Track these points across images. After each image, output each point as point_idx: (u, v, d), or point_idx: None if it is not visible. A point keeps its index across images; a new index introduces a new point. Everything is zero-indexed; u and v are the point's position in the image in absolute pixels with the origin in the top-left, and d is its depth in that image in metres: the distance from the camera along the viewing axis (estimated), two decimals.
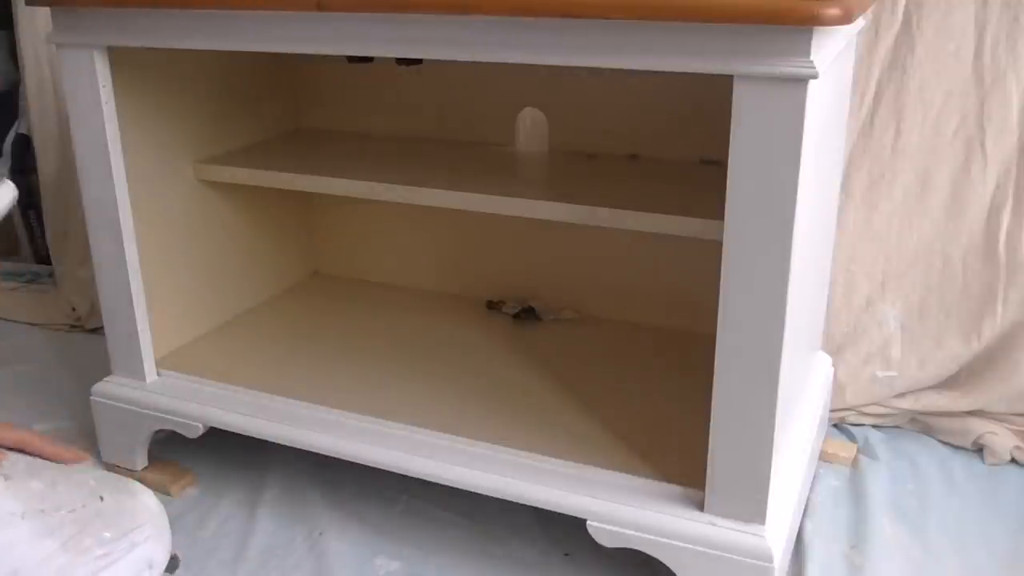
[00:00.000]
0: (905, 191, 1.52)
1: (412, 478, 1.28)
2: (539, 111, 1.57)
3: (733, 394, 1.07)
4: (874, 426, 1.63)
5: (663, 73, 1.03)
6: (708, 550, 1.12)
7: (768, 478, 1.09)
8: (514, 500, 1.22)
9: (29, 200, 2.27)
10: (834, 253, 1.51)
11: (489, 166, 1.49)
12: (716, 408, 1.09)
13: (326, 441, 1.33)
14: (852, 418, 1.63)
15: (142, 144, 1.42)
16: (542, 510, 1.21)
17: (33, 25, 2.03)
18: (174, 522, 1.39)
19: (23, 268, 2.31)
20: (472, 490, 1.24)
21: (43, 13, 1.83)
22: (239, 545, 1.37)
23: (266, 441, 1.38)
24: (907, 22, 1.46)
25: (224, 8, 1.18)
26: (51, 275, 2.21)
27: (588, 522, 1.17)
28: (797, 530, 1.33)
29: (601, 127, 1.55)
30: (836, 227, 1.50)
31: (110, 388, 1.48)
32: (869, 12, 1.40)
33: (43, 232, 2.21)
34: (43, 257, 2.29)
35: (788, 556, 1.25)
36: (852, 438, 1.60)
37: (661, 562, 1.15)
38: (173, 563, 1.32)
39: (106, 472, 1.16)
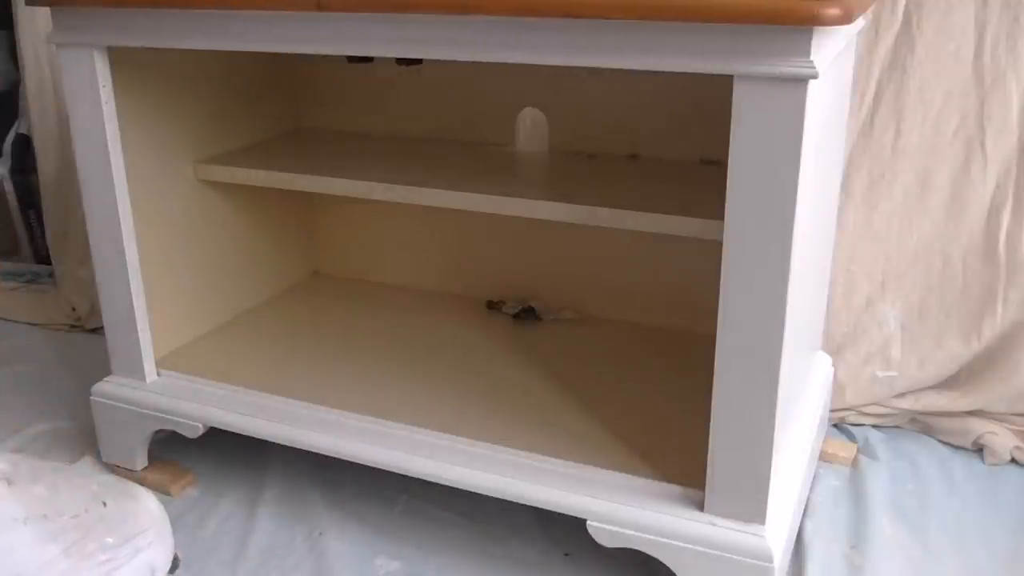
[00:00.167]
0: (905, 191, 1.52)
1: (412, 478, 1.28)
2: (539, 111, 1.57)
3: (733, 394, 1.07)
4: (874, 426, 1.63)
5: (663, 73, 1.03)
6: (708, 550, 1.12)
7: (768, 478, 1.09)
8: (514, 500, 1.22)
9: (29, 200, 2.27)
10: (834, 253, 1.51)
11: (489, 166, 1.49)
12: (716, 408, 1.09)
13: (326, 441, 1.33)
14: (852, 418, 1.63)
15: (142, 144, 1.42)
16: (542, 510, 1.21)
17: (33, 25, 2.03)
18: (174, 522, 1.39)
19: (23, 268, 2.31)
20: (472, 490, 1.24)
21: (43, 13, 1.84)
22: (239, 545, 1.37)
23: (266, 441, 1.38)
24: (907, 22, 1.46)
25: (224, 8, 1.18)
26: (51, 275, 2.21)
27: (588, 522, 1.17)
28: (797, 530, 1.33)
29: (601, 127, 1.55)
30: (836, 227, 1.50)
31: (110, 388, 1.48)
32: (869, 12, 1.40)
33: (43, 232, 2.21)
34: (43, 257, 2.29)
35: (788, 556, 1.25)
36: (852, 438, 1.60)
37: (661, 562, 1.15)
38: (173, 563, 1.32)
39: (109, 476, 1.16)
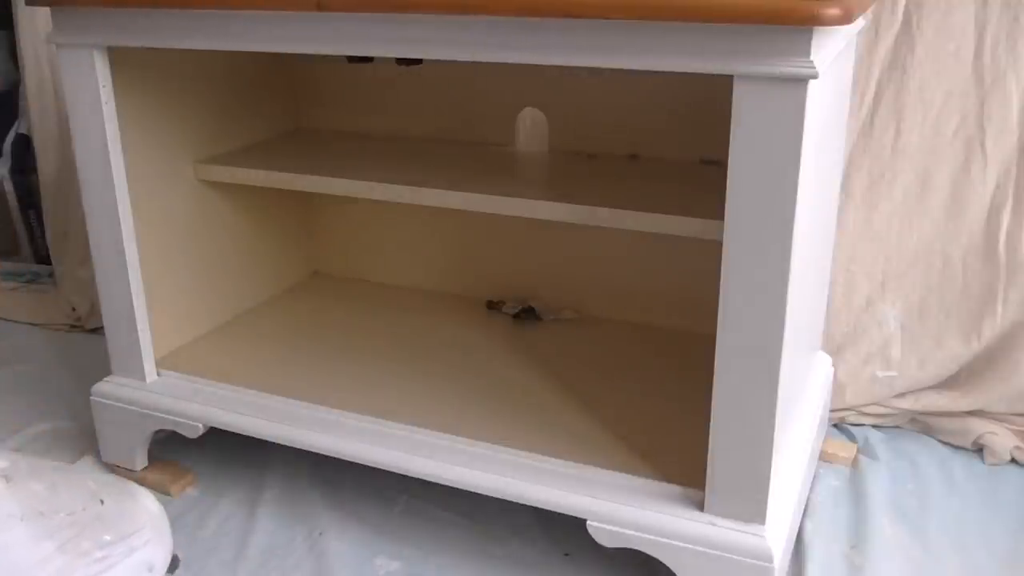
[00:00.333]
0: (905, 191, 1.52)
1: (412, 478, 1.28)
2: (539, 111, 1.57)
3: (733, 394, 1.07)
4: (874, 426, 1.63)
5: (663, 73, 1.04)
6: (708, 550, 1.12)
7: (768, 478, 1.09)
8: (514, 500, 1.22)
9: (29, 200, 2.27)
10: (834, 253, 1.51)
11: (489, 166, 1.49)
12: (716, 408, 1.09)
13: (326, 441, 1.33)
14: (852, 418, 1.63)
15: (142, 144, 1.42)
16: (542, 510, 1.21)
17: (33, 25, 2.03)
18: (174, 522, 1.39)
19: (23, 268, 2.31)
20: (472, 490, 1.24)
21: (43, 13, 1.84)
22: (239, 545, 1.37)
23: (266, 441, 1.38)
24: (907, 22, 1.46)
25: (224, 8, 1.18)
26: (51, 275, 2.21)
27: (588, 522, 1.17)
28: (797, 530, 1.33)
29: (601, 127, 1.55)
30: (836, 227, 1.50)
31: (110, 388, 1.48)
32: (869, 12, 1.40)
33: (43, 232, 2.21)
34: (43, 257, 2.29)
35: (788, 556, 1.25)
36: (852, 438, 1.60)
37: (661, 562, 1.15)
38: (173, 563, 1.32)
39: (107, 475, 1.16)
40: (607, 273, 1.64)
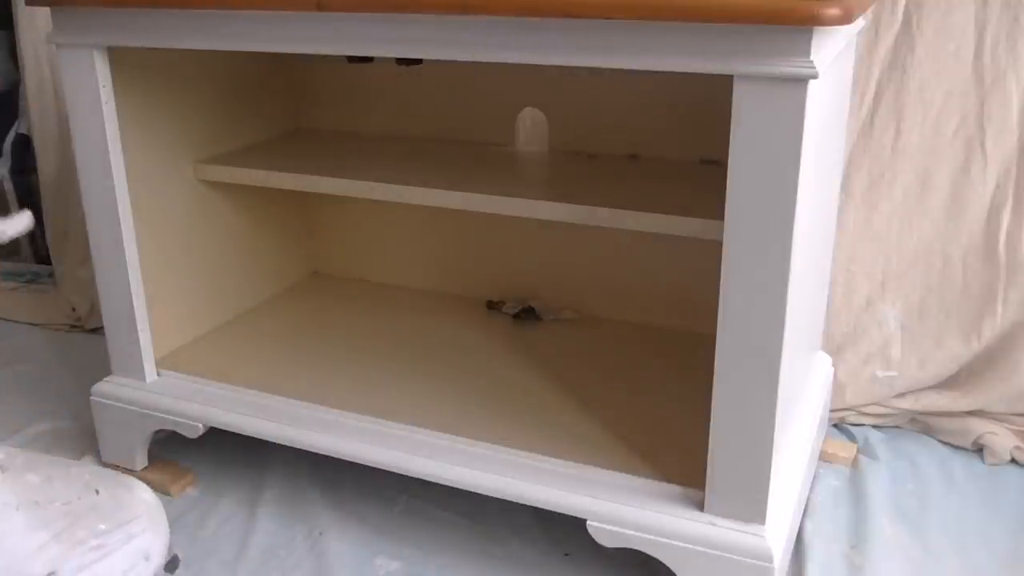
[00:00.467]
0: (905, 191, 1.52)
1: (412, 478, 1.28)
2: (539, 111, 1.57)
3: (733, 394, 1.07)
4: (874, 426, 1.63)
5: (663, 73, 1.04)
6: (708, 550, 1.12)
7: (768, 478, 1.09)
8: (514, 500, 1.22)
9: (29, 200, 2.27)
10: (834, 253, 1.51)
11: (489, 166, 1.49)
12: (716, 408, 1.09)
13: (326, 441, 1.33)
14: (852, 418, 1.63)
15: (142, 144, 1.42)
16: (542, 510, 1.21)
17: (33, 25, 2.03)
18: (174, 522, 1.39)
19: (23, 268, 2.31)
20: (472, 490, 1.24)
21: (43, 13, 1.83)
22: (239, 545, 1.37)
23: (266, 441, 1.38)
24: (907, 22, 1.46)
25: (224, 8, 1.18)
26: (51, 275, 2.21)
27: (588, 522, 1.17)
28: (797, 530, 1.33)
29: (601, 127, 1.55)
30: (836, 227, 1.50)
31: (110, 388, 1.48)
32: (869, 12, 1.40)
33: (43, 232, 2.21)
34: (43, 257, 2.29)
35: (788, 556, 1.25)
36: (852, 438, 1.60)
37: (661, 562, 1.15)
38: (173, 563, 1.32)
39: (102, 467, 1.17)
40: (607, 273, 1.64)
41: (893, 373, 1.59)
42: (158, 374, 1.49)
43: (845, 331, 1.59)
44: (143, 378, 1.47)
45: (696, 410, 1.24)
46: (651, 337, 1.60)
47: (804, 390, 1.38)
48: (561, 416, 1.34)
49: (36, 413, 1.70)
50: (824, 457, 1.53)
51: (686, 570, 1.14)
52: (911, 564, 1.31)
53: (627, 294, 1.64)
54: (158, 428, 1.45)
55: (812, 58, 0.93)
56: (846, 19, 0.93)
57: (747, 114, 0.97)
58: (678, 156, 1.50)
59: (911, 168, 1.51)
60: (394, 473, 1.29)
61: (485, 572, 1.32)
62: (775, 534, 1.12)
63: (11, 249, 2.36)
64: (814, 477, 1.48)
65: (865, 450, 1.57)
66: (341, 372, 1.48)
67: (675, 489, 1.18)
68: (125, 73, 1.36)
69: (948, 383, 1.58)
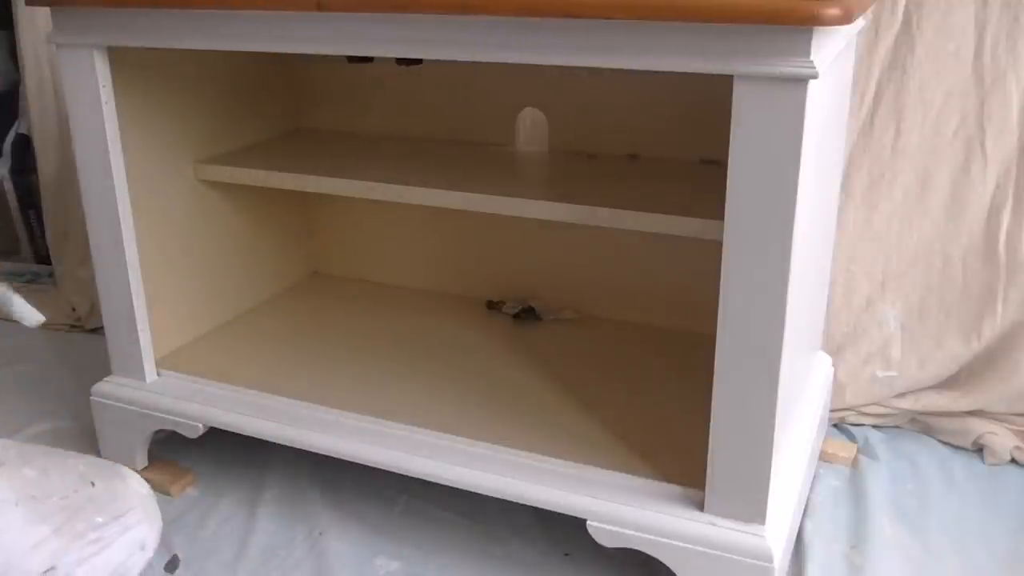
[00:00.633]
0: (905, 191, 1.52)
1: (412, 478, 1.28)
2: (539, 111, 1.57)
3: (733, 394, 1.07)
4: (874, 426, 1.63)
5: (663, 73, 1.04)
6: (708, 550, 1.12)
7: (768, 478, 1.09)
8: (514, 500, 1.22)
9: (29, 200, 2.27)
10: (834, 253, 1.51)
11: (489, 166, 1.49)
12: (716, 408, 1.09)
13: (326, 441, 1.33)
14: (852, 418, 1.63)
15: (142, 144, 1.42)
16: (542, 510, 1.21)
17: (33, 25, 2.03)
18: (174, 522, 1.39)
19: (23, 268, 2.31)
20: (472, 490, 1.24)
21: (43, 13, 1.83)
22: (239, 545, 1.37)
23: (266, 441, 1.38)
24: (907, 22, 1.46)
25: (224, 8, 1.18)
26: (51, 275, 2.21)
27: (588, 522, 1.17)
28: (797, 530, 1.33)
29: (601, 127, 1.55)
30: (836, 227, 1.50)
31: (110, 388, 1.48)
32: (869, 12, 1.40)
33: (43, 232, 2.21)
34: (43, 257, 2.29)
35: (788, 556, 1.25)
36: (852, 438, 1.60)
37: (661, 562, 1.15)
38: (173, 563, 1.32)
39: (95, 458, 1.18)
40: (607, 273, 1.64)
41: (893, 373, 1.59)
42: (158, 374, 1.49)
43: (845, 331, 1.59)
44: (143, 378, 1.47)
45: (696, 410, 1.24)
46: (651, 337, 1.60)
47: (804, 390, 1.38)
48: (561, 416, 1.34)
49: (36, 413, 1.70)
50: (824, 457, 1.53)
51: (686, 570, 1.14)
52: (911, 564, 1.31)
53: (627, 294, 1.64)
54: (158, 428, 1.45)
55: (812, 58, 0.93)
56: (846, 19, 0.93)
57: (747, 114, 0.97)
58: (678, 156, 1.50)
59: (911, 168, 1.51)
60: (394, 473, 1.29)
61: (485, 572, 1.32)
62: (775, 534, 1.12)
63: (11, 249, 2.37)
64: (814, 477, 1.48)
65: (865, 450, 1.57)
66: (341, 372, 1.48)
67: (675, 489, 1.18)
68: (125, 73, 1.36)
69: (948, 383, 1.58)
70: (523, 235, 1.67)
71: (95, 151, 1.36)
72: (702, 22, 0.95)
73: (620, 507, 1.16)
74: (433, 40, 1.10)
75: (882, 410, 1.62)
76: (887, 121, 1.50)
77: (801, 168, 0.97)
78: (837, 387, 1.59)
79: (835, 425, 1.63)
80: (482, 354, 1.54)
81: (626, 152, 1.55)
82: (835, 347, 1.59)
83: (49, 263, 2.22)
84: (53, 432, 1.64)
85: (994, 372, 1.54)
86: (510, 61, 1.07)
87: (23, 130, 2.23)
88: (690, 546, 1.13)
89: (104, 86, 1.32)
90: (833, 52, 1.04)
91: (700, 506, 1.14)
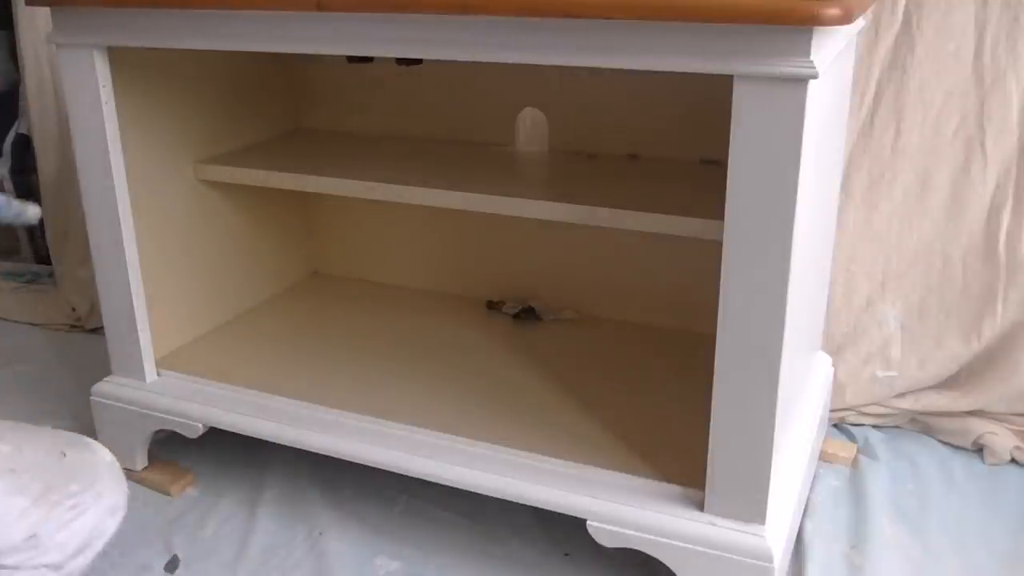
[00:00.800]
0: (905, 191, 1.52)
1: (412, 478, 1.28)
2: (539, 111, 1.57)
3: (733, 394, 1.07)
4: (874, 426, 1.63)
5: (663, 73, 1.03)
6: (708, 550, 1.12)
7: (768, 478, 1.09)
8: (514, 500, 1.22)
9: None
10: (834, 253, 1.51)
11: (489, 166, 1.49)
12: (716, 408, 1.09)
13: (326, 441, 1.33)
14: (852, 418, 1.63)
15: (142, 144, 1.42)
16: (542, 510, 1.21)
17: (33, 25, 2.03)
18: (174, 522, 1.40)
19: (23, 268, 2.31)
20: (472, 490, 1.24)
21: (43, 13, 1.83)
22: (239, 545, 1.37)
23: (266, 441, 1.38)
24: (907, 22, 1.46)
25: (224, 8, 1.18)
26: (51, 275, 2.21)
27: (588, 522, 1.17)
28: (797, 530, 1.33)
29: (601, 127, 1.55)
30: (836, 227, 1.50)
31: (110, 388, 1.48)
32: (869, 12, 1.40)
33: (43, 232, 2.21)
34: (43, 257, 2.29)
35: (788, 556, 1.25)
36: (852, 438, 1.60)
37: (661, 562, 1.15)
38: (173, 563, 1.32)
39: (61, 431, 1.22)
40: (607, 273, 1.64)
41: (893, 373, 1.59)
42: (158, 374, 1.49)
43: (845, 331, 1.59)
44: (143, 378, 1.47)
45: (696, 410, 1.24)
46: (651, 337, 1.60)
47: (804, 390, 1.38)
48: (561, 416, 1.34)
49: (36, 413, 1.70)
50: (824, 457, 1.53)
51: (686, 570, 1.14)
52: (911, 564, 1.31)
53: (627, 294, 1.64)
54: (158, 428, 1.45)
55: (812, 58, 0.93)
56: (846, 19, 0.93)
57: (747, 114, 0.97)
58: (678, 156, 1.50)
59: (911, 168, 1.51)
60: (394, 473, 1.29)
61: (485, 572, 1.32)
62: (775, 534, 1.12)
63: (11, 249, 2.37)
64: (814, 477, 1.48)
65: (865, 450, 1.57)
66: (341, 372, 1.48)
67: (675, 489, 1.18)
68: (125, 73, 1.36)
69: (948, 383, 1.58)
70: (523, 235, 1.67)
71: (95, 151, 1.36)
72: (702, 22, 0.95)
73: (620, 507, 1.16)
74: (433, 40, 1.10)
75: (882, 410, 1.62)
76: (887, 121, 1.50)
77: (801, 168, 0.97)
78: (837, 387, 1.59)
79: (835, 425, 1.63)
80: (482, 354, 1.54)
81: (626, 152, 1.55)
82: (835, 347, 1.59)
83: (49, 263, 2.22)
84: None
85: (994, 372, 1.54)
86: (510, 61, 1.07)
87: (23, 130, 2.23)
88: (690, 546, 1.13)
89: (104, 86, 1.32)
90: (833, 52, 1.04)
91: (700, 506, 1.14)
